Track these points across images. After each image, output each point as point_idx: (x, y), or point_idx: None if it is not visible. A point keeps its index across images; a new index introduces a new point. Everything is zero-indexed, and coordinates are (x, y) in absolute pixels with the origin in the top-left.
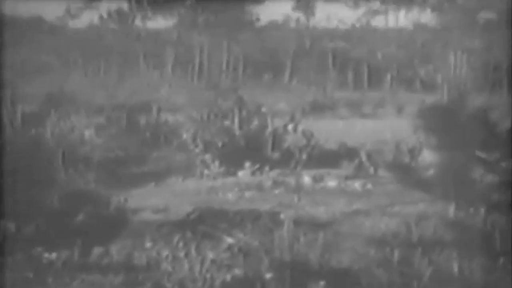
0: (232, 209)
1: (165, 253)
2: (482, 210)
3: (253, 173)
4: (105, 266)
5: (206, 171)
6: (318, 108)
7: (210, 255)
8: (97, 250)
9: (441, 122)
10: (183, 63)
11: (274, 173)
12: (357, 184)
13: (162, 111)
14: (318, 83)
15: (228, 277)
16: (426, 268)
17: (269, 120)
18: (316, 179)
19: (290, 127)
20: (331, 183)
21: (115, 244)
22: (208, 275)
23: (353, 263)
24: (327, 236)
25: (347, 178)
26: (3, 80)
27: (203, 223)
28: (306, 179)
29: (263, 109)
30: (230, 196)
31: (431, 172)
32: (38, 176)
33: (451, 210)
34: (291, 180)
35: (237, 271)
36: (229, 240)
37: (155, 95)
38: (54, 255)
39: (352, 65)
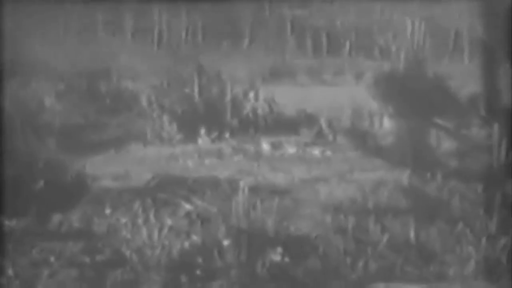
0: (192, 176)
1: (124, 220)
2: (439, 177)
3: (212, 141)
4: (65, 233)
5: (166, 138)
6: (277, 75)
7: (169, 222)
8: (56, 217)
9: (400, 89)
10: (142, 31)
11: (233, 140)
12: (316, 151)
13: (122, 78)
14: (277, 50)
15: (186, 244)
16: (383, 235)
17: (228, 87)
18: (275, 146)
19: (251, 95)
20: (290, 150)
21: (74, 211)
22: (166, 242)
23: (311, 230)
24: (285, 203)
25: (306, 145)
26: None
27: (163, 190)
28: (265, 146)
29: (223, 76)
30: (190, 163)
31: (389, 139)
32: None
33: (409, 176)
34: (251, 147)
35: (195, 238)
36: (187, 206)
37: (115, 62)
38: (13, 222)
39: (311, 32)
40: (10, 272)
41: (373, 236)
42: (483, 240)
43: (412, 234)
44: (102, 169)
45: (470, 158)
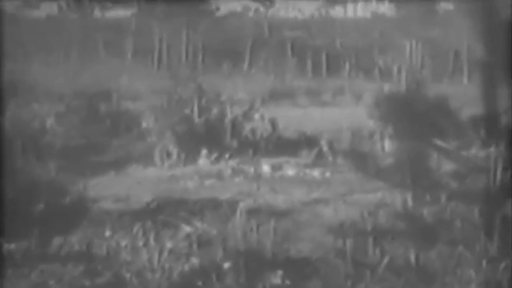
0: (192, 198)
1: (124, 242)
2: (439, 199)
3: (212, 162)
4: (65, 256)
5: (166, 160)
6: (277, 97)
7: (169, 244)
8: (56, 240)
9: (400, 110)
10: (142, 52)
11: (233, 162)
12: (316, 173)
13: (122, 99)
14: (277, 71)
15: (186, 267)
16: (383, 257)
17: (228, 109)
18: (275, 168)
19: (256, 116)
20: (290, 171)
21: (75, 233)
22: (166, 265)
23: (311, 252)
24: (285, 225)
25: (306, 166)
26: None
27: (163, 212)
28: (265, 167)
29: (223, 98)
30: (190, 184)
31: (389, 160)
32: None
33: (409, 198)
34: (251, 169)
35: (195, 260)
36: (188, 229)
37: (115, 83)
38: (13, 246)
39: (311, 54)
40: None
41: (373, 259)
42: (484, 262)
43: (412, 257)
44: (103, 191)
45: (470, 180)
